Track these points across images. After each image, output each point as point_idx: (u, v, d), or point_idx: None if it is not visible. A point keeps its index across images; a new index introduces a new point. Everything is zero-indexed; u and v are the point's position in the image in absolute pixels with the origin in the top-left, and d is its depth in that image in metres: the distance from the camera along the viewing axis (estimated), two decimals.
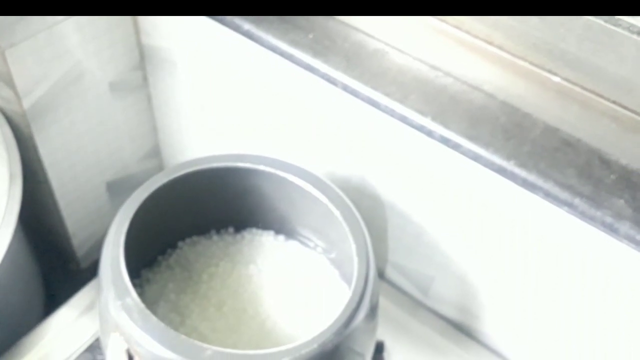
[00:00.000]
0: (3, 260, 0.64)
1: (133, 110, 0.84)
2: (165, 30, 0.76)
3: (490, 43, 0.57)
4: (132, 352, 0.52)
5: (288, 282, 0.67)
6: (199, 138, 0.85)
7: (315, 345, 0.51)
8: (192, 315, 0.64)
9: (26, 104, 0.71)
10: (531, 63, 0.56)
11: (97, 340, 0.71)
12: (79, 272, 0.90)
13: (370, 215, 0.62)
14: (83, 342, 0.71)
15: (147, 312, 0.52)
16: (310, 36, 0.60)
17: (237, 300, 0.65)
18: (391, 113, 0.56)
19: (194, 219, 0.69)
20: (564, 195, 0.51)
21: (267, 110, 0.72)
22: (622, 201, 0.50)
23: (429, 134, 0.55)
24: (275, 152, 0.64)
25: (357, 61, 0.59)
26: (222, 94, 0.76)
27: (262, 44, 0.61)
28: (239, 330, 0.63)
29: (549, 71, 0.55)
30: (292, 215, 0.68)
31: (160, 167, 0.94)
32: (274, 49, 0.61)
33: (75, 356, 0.70)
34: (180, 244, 0.70)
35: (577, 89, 0.55)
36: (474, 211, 0.62)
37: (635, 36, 0.50)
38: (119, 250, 0.55)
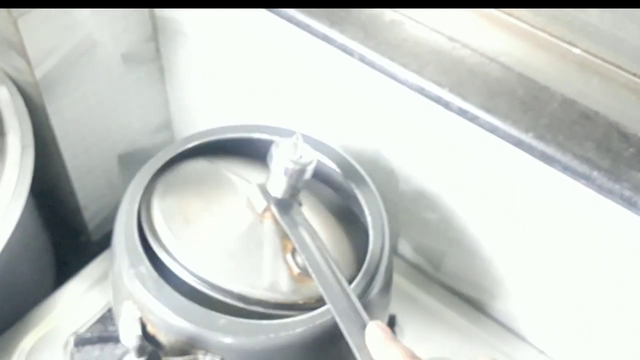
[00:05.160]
0: (14, 231, 0.64)
1: (145, 82, 0.84)
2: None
3: (509, 14, 0.57)
4: (145, 321, 0.52)
5: None
6: (211, 111, 0.85)
7: (330, 316, 0.51)
8: None
9: (38, 74, 0.70)
10: (551, 35, 0.55)
11: (109, 311, 0.71)
12: (89, 244, 0.90)
13: (383, 189, 0.62)
14: (94, 313, 0.71)
15: (161, 280, 0.52)
16: None
17: None
18: (408, 84, 0.56)
19: None
20: (583, 168, 0.50)
21: (281, 82, 0.72)
22: None
23: (446, 105, 0.54)
24: (290, 124, 0.63)
25: (373, 32, 0.58)
26: (235, 66, 0.76)
27: (278, 14, 0.61)
28: None
29: (569, 43, 0.55)
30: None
31: (171, 141, 0.93)
32: (289, 19, 0.60)
33: (86, 327, 0.70)
34: None
35: (598, 61, 0.54)
36: (489, 185, 0.61)
37: None
38: (132, 219, 0.55)
